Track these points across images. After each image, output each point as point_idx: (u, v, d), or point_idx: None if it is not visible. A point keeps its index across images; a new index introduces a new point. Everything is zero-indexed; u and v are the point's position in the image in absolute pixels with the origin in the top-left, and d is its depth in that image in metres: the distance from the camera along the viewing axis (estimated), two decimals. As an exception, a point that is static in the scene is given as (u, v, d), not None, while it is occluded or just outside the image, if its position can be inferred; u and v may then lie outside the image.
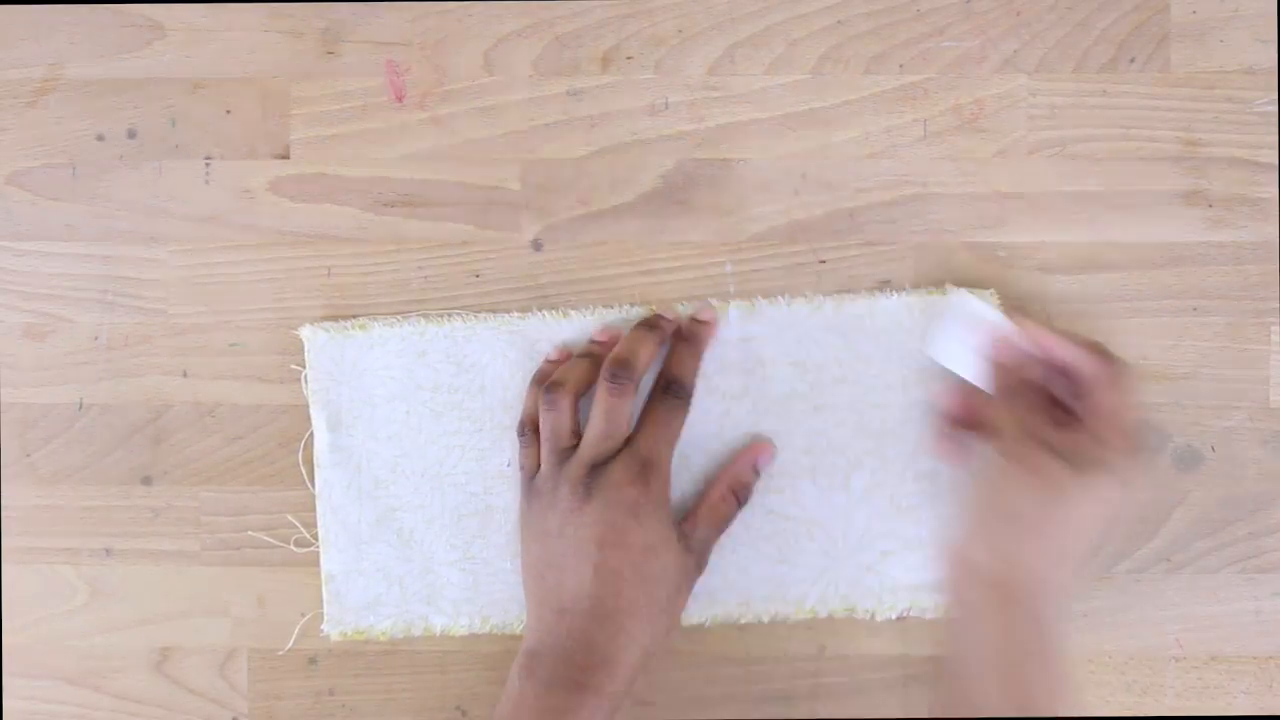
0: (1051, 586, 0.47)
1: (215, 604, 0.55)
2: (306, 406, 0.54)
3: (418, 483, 0.54)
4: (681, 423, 0.52)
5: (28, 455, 0.55)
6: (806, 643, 0.54)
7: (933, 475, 0.54)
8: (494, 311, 0.54)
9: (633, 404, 0.51)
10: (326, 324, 0.54)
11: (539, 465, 0.52)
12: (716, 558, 0.53)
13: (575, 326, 0.54)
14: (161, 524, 0.55)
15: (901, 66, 0.54)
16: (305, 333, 0.54)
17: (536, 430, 0.52)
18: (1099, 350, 0.50)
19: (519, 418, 0.53)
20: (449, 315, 0.54)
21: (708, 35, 0.54)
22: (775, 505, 0.54)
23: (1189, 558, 0.54)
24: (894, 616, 0.54)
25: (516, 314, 0.54)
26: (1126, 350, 0.54)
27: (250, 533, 0.55)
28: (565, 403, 0.51)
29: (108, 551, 0.55)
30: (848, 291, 0.54)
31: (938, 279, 0.54)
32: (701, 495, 0.53)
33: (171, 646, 0.55)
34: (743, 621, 0.54)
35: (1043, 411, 0.49)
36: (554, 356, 0.54)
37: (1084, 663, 0.54)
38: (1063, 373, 0.50)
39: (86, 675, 0.55)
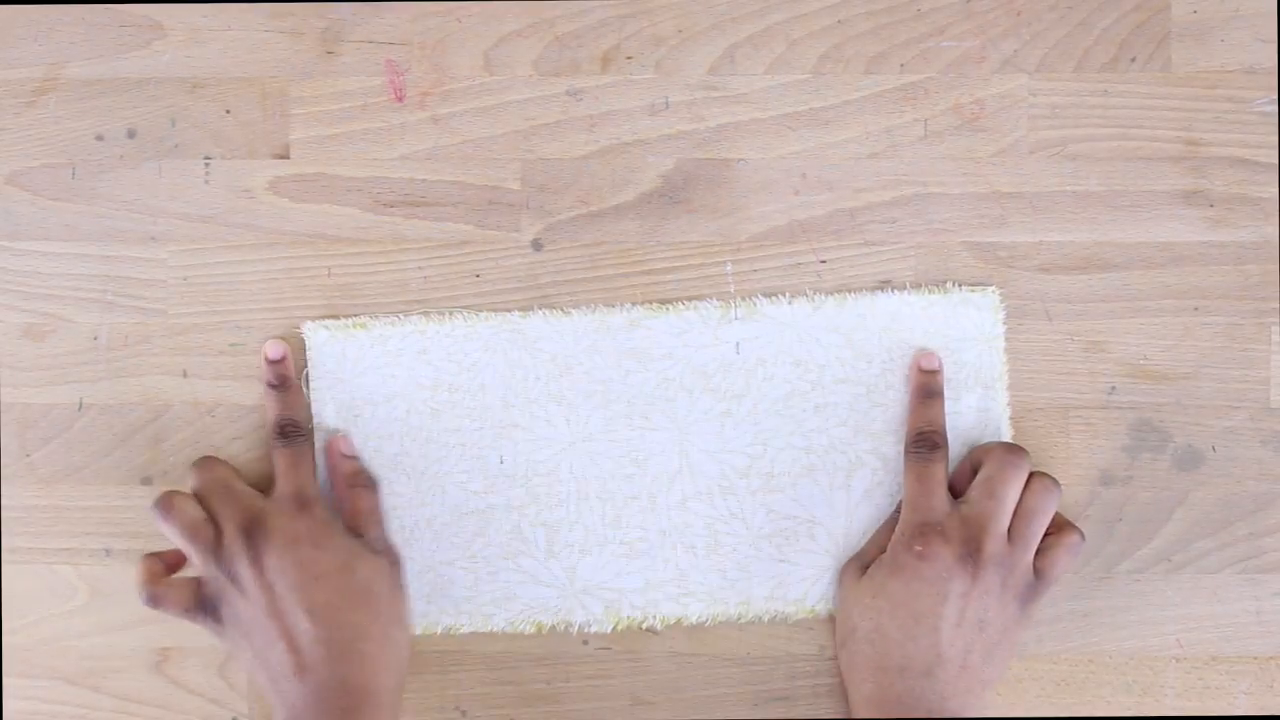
0: (939, 682, 0.49)
1: (215, 604, 0.55)
2: (308, 404, 0.54)
3: (418, 481, 0.54)
4: (310, 458, 0.52)
5: (27, 455, 0.55)
6: (806, 643, 0.54)
7: (933, 475, 0.54)
8: (494, 311, 0.54)
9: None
10: (328, 322, 0.54)
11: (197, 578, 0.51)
12: (717, 557, 0.53)
13: (575, 326, 0.54)
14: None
15: (902, 66, 0.54)
16: (307, 330, 0.54)
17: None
18: (1003, 445, 0.52)
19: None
20: (450, 314, 0.54)
21: (708, 35, 0.54)
22: (775, 505, 0.54)
23: (1189, 558, 0.54)
24: (894, 616, 0.54)
25: (517, 313, 0.54)
26: (1126, 350, 0.54)
27: (250, 533, 0.55)
28: (185, 503, 0.51)
29: (107, 552, 0.55)
30: (848, 291, 0.54)
31: (938, 279, 0.54)
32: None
33: (171, 647, 0.55)
34: (743, 621, 0.54)
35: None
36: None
37: (1084, 663, 0.54)
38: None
39: (86, 675, 0.55)
